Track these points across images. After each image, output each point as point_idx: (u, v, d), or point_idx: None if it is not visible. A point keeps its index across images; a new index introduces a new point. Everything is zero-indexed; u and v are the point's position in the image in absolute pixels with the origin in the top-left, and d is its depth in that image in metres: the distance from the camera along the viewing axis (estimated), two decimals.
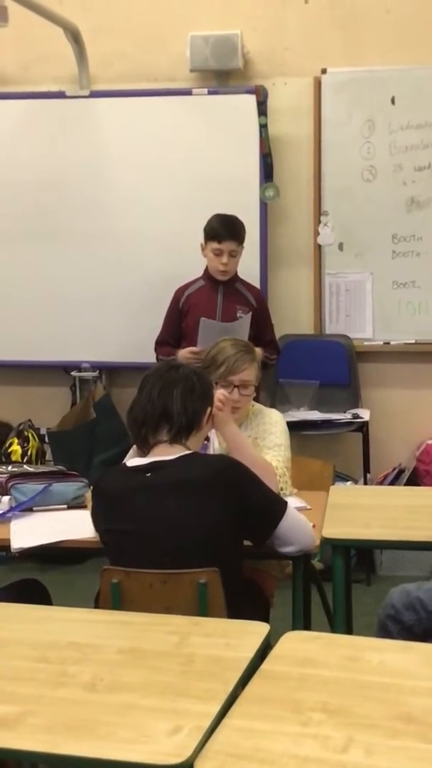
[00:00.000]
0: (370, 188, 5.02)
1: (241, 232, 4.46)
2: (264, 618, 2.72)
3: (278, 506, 2.64)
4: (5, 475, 3.10)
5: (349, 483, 4.79)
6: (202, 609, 2.41)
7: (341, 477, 4.72)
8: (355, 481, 4.90)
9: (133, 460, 2.69)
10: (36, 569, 4.52)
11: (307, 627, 2.94)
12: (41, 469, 3.36)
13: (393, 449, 5.09)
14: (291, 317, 5.13)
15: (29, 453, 5.06)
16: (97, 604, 2.57)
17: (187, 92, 5.06)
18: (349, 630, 3.08)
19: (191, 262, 4.61)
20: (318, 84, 5.01)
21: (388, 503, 3.26)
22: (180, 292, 4.60)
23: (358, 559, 4.59)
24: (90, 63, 5.18)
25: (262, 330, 4.54)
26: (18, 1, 4.29)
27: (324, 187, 5.06)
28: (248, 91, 4.95)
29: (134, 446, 2.83)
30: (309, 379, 4.98)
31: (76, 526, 2.87)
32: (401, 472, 4.93)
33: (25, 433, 5.13)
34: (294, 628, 2.69)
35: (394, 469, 4.95)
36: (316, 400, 4.96)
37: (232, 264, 4.48)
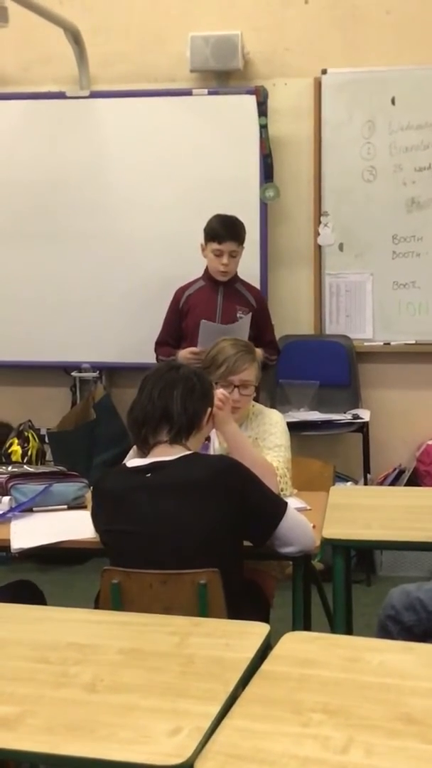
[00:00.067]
0: (370, 189, 5.02)
1: (241, 233, 4.47)
2: (264, 618, 2.72)
3: (278, 507, 2.64)
4: (5, 476, 3.10)
5: (349, 483, 4.79)
6: (203, 609, 2.41)
7: (341, 477, 4.72)
8: (356, 482, 4.90)
9: (133, 461, 2.69)
10: (36, 570, 4.53)
11: (307, 627, 2.94)
12: (41, 469, 3.36)
13: (393, 450, 5.09)
14: (291, 318, 5.13)
15: (29, 453, 5.05)
16: (98, 605, 2.57)
17: (188, 93, 5.06)
18: (349, 630, 3.08)
19: (191, 262, 4.61)
20: (318, 84, 5.01)
21: (388, 504, 3.26)
22: (180, 292, 4.60)
23: (358, 559, 4.59)
24: (90, 63, 5.18)
25: (262, 330, 4.54)
26: (18, 2, 4.29)
27: (324, 188, 5.06)
28: (248, 92, 4.95)
29: (134, 447, 2.83)
30: (309, 380, 4.98)
31: (76, 526, 2.87)
32: (401, 472, 4.93)
33: (26, 434, 5.13)
34: (294, 628, 2.69)
35: (395, 470, 4.95)
36: (317, 400, 4.96)
37: (232, 264, 4.48)
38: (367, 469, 4.95)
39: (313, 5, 5.03)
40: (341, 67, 4.98)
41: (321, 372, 5.01)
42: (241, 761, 1.58)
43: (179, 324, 4.56)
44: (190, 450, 2.65)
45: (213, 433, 3.07)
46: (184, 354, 4.36)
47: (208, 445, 3.06)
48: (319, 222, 5.08)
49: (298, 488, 3.21)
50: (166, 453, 2.62)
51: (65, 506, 3.09)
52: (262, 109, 4.93)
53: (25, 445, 5.08)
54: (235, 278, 4.57)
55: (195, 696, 1.79)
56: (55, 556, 4.33)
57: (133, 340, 5.03)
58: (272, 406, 4.03)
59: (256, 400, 3.42)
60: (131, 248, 5.15)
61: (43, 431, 5.20)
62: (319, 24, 5.02)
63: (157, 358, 4.51)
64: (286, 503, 2.69)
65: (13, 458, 4.97)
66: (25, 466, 3.40)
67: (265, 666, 1.93)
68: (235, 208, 4.57)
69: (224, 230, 4.42)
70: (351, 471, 4.97)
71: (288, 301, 5.16)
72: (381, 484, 4.89)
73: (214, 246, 4.43)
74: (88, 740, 1.65)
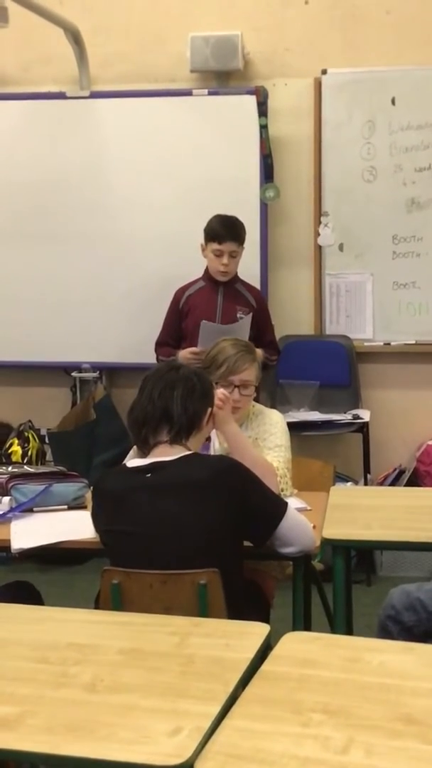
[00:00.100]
0: (370, 189, 5.02)
1: (241, 233, 4.46)
2: (264, 619, 2.72)
3: (278, 507, 2.64)
4: (5, 476, 3.10)
5: (349, 484, 4.79)
6: (203, 610, 2.41)
7: (341, 478, 4.71)
8: (356, 482, 4.90)
9: (133, 461, 2.69)
10: (36, 570, 4.54)
11: (307, 628, 2.94)
12: (41, 469, 3.36)
13: (393, 450, 5.09)
14: (291, 318, 5.13)
15: (29, 453, 5.06)
16: (98, 605, 2.57)
17: (188, 93, 5.06)
18: (349, 631, 3.08)
19: (191, 262, 4.61)
20: (318, 85, 5.01)
21: (388, 504, 3.25)
22: (180, 292, 4.60)
23: (359, 559, 4.59)
24: (90, 64, 5.18)
25: (262, 331, 4.54)
26: (18, 2, 4.29)
27: (324, 188, 5.06)
28: (248, 92, 4.95)
29: (134, 447, 2.83)
30: (309, 380, 4.98)
31: (76, 526, 2.87)
32: (401, 472, 4.93)
33: (26, 434, 5.13)
34: (294, 628, 2.69)
35: (395, 470, 4.95)
36: (317, 400, 4.96)
37: (232, 265, 4.48)
38: (367, 469, 4.95)
39: (313, 5, 5.03)
40: (341, 67, 4.98)
41: (321, 372, 5.01)
42: (241, 761, 1.58)
43: (179, 324, 4.56)
44: (190, 450, 2.65)
45: (213, 434, 3.07)
46: (184, 354, 4.36)
47: (208, 446, 3.07)
48: (319, 222, 5.08)
49: (299, 488, 3.21)
50: (166, 453, 2.62)
51: (65, 506, 3.09)
52: (263, 110, 4.93)
53: (26, 445, 5.08)
54: (235, 278, 4.57)
55: (195, 696, 1.79)
56: (55, 557, 4.33)
57: (134, 341, 5.03)
58: (272, 407, 4.03)
59: (256, 400, 3.42)
60: (131, 248, 5.15)
61: (44, 431, 5.20)
62: (319, 24, 5.03)
63: (157, 359, 4.51)
64: (286, 503, 2.69)
65: (14, 458, 4.97)
66: (25, 467, 3.40)
67: (266, 666, 1.93)
68: (235, 209, 4.57)
69: (224, 230, 4.42)
70: (351, 471, 4.97)
71: (288, 301, 5.16)
72: (381, 484, 4.89)
73: (214, 246, 4.43)
74: (88, 740, 1.65)
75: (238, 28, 4.98)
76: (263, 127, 4.93)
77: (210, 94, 5.04)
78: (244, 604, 2.57)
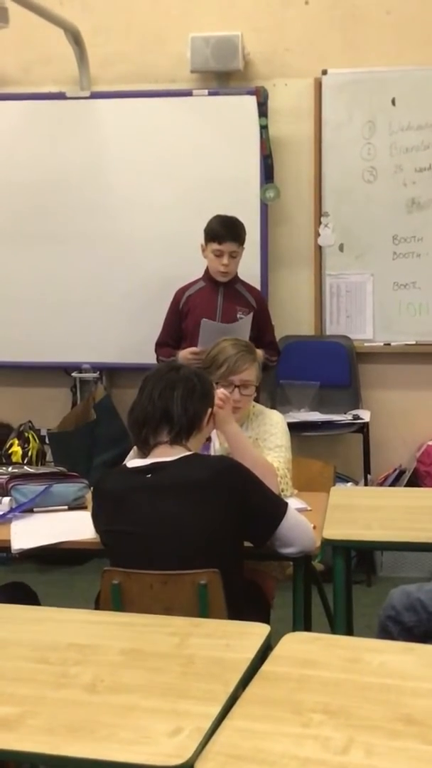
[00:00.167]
0: (370, 189, 5.02)
1: (241, 233, 4.47)
2: (264, 619, 2.72)
3: (279, 507, 2.64)
4: (6, 476, 3.10)
5: (349, 484, 4.79)
6: (203, 610, 2.41)
7: (342, 478, 4.71)
8: (356, 482, 4.90)
9: (133, 461, 2.69)
10: (36, 570, 4.54)
11: (307, 628, 2.94)
12: (42, 470, 3.36)
13: (393, 450, 5.09)
14: (291, 318, 5.13)
15: (30, 454, 5.05)
16: (98, 605, 2.57)
17: (188, 93, 5.06)
18: (349, 631, 3.08)
19: (191, 263, 4.61)
20: (318, 85, 5.01)
21: (388, 504, 3.25)
22: (180, 293, 4.60)
23: (359, 560, 4.59)
24: (90, 64, 5.18)
25: (262, 331, 4.54)
26: (18, 3, 4.29)
27: (324, 188, 5.07)
28: (249, 92, 4.96)
29: (135, 447, 2.83)
30: (309, 380, 4.98)
31: (76, 527, 2.87)
32: (402, 473, 4.93)
33: (26, 434, 5.13)
34: (294, 629, 2.69)
35: (395, 470, 4.95)
36: (317, 401, 4.96)
37: (232, 265, 4.48)
38: (367, 469, 4.95)
39: (313, 6, 5.04)
40: (341, 67, 4.98)
41: (321, 372, 5.01)
42: (242, 762, 1.58)
43: (179, 325, 4.56)
44: (190, 450, 2.65)
45: (214, 434, 3.07)
46: (184, 354, 4.36)
47: (209, 446, 3.07)
48: (320, 222, 5.08)
49: (299, 489, 3.21)
50: (166, 454, 2.62)
51: (65, 507, 3.09)
52: (263, 110, 4.93)
53: (26, 445, 5.08)
54: (236, 279, 4.57)
55: (195, 696, 1.79)
56: (56, 557, 4.33)
57: (134, 341, 5.03)
58: (273, 407, 4.04)
59: (256, 400, 3.42)
60: (131, 249, 5.15)
61: (44, 432, 5.20)
62: (320, 24, 5.03)
63: (157, 359, 4.51)
64: (286, 504, 2.69)
65: (14, 459, 4.97)
66: (25, 467, 3.41)
67: (266, 666, 1.93)
68: (235, 209, 4.57)
69: (224, 231, 4.42)
70: (351, 471, 4.97)
71: (288, 301, 5.16)
72: (381, 484, 4.89)
73: (215, 246, 4.43)
74: (88, 741, 1.65)
75: (239, 29, 4.98)
76: (263, 128, 4.93)
77: (210, 94, 5.04)
78: (244, 604, 2.58)
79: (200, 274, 4.59)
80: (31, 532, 2.89)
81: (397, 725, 1.67)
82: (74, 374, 5.28)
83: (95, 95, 5.16)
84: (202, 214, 4.52)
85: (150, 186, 5.09)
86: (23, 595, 2.93)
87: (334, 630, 2.89)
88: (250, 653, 1.96)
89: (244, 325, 4.34)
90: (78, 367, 5.27)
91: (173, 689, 1.82)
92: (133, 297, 5.14)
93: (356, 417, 4.91)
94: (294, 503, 2.91)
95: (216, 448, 3.15)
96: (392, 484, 4.85)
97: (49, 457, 5.18)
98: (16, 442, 5.09)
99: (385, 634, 2.79)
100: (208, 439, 3.01)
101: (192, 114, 5.04)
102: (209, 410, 2.75)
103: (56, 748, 1.64)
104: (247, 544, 2.65)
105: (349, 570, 3.07)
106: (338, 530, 2.83)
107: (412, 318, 5.07)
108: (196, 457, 2.65)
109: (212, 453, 3.11)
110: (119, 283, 5.17)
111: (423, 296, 5.05)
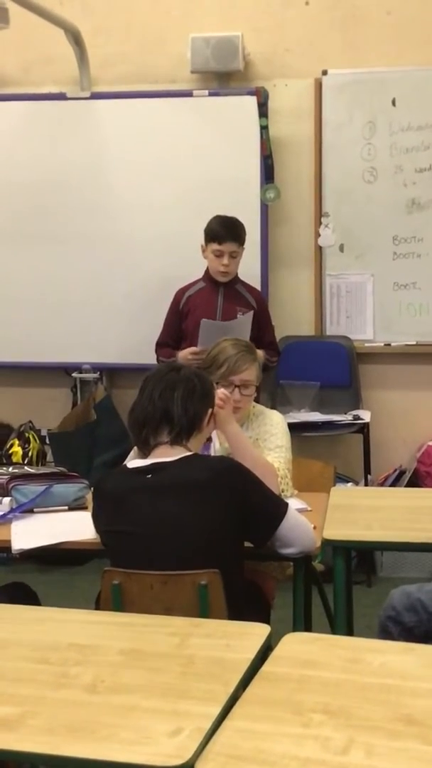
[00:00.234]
0: (370, 190, 5.02)
1: (241, 234, 4.47)
2: (265, 619, 2.73)
3: (279, 508, 2.64)
4: (6, 477, 3.10)
5: (349, 484, 4.79)
6: (203, 610, 2.41)
7: (342, 478, 4.71)
8: (356, 483, 4.90)
9: (133, 462, 2.69)
10: (36, 570, 4.54)
11: (307, 628, 2.94)
12: (42, 470, 3.36)
13: (394, 450, 5.08)
14: (292, 319, 5.13)
15: (30, 454, 5.06)
16: (98, 606, 2.58)
17: (188, 94, 5.06)
18: (349, 631, 3.08)
19: (192, 263, 4.61)
20: (319, 85, 5.01)
21: (388, 504, 3.25)
22: (180, 293, 4.60)
23: (359, 560, 4.59)
24: (91, 64, 5.18)
25: (262, 332, 4.54)
26: (19, 3, 4.29)
27: (325, 189, 5.06)
28: (249, 93, 4.96)
29: (135, 448, 2.83)
30: (310, 381, 4.98)
31: (76, 527, 2.87)
32: (402, 473, 4.93)
33: (26, 435, 5.13)
34: (295, 629, 2.69)
35: (395, 471, 4.95)
36: (317, 401, 4.96)
37: (232, 265, 4.49)
38: (367, 470, 4.95)
39: (313, 6, 5.04)
40: (342, 68, 4.98)
41: (322, 373, 5.01)
42: (242, 762, 1.58)
43: (179, 325, 4.56)
44: (190, 451, 2.65)
45: (214, 434, 3.07)
46: (184, 354, 4.36)
47: (209, 446, 3.07)
48: (320, 223, 5.08)
49: (299, 489, 3.21)
50: (166, 454, 2.62)
51: (66, 507, 3.09)
52: (263, 110, 4.93)
53: (26, 445, 5.08)
54: (236, 279, 4.57)
55: (196, 697, 1.79)
56: (56, 557, 4.33)
57: (134, 341, 5.03)
58: (273, 407, 4.04)
59: (256, 401, 3.42)
60: (132, 249, 5.15)
61: (44, 432, 5.20)
62: (320, 25, 5.03)
63: (157, 359, 4.51)
64: (286, 504, 2.69)
65: (14, 459, 4.97)
66: (25, 467, 3.41)
67: (266, 667, 1.93)
68: (235, 209, 4.57)
69: (224, 231, 4.42)
70: (351, 472, 4.97)
71: (288, 302, 5.16)
72: (381, 485, 4.88)
73: (215, 247, 4.43)
74: (88, 741, 1.65)
75: (239, 29, 4.98)
76: (264, 128, 4.93)
77: (210, 95, 5.04)
78: (244, 604, 2.58)
79: (200, 274, 4.59)
80: (31, 533, 2.89)
81: (398, 725, 1.67)
82: (74, 374, 5.29)
83: (95, 96, 5.16)
84: (202, 215, 4.52)
85: (150, 186, 5.09)
86: (24, 595, 2.94)
87: (334, 630, 2.89)
88: (251, 653, 1.96)
89: (244, 322, 4.34)
90: (78, 368, 5.27)
91: (173, 689, 1.82)
92: (133, 297, 5.14)
93: (356, 417, 4.90)
94: (294, 503, 2.91)
95: (216, 448, 3.15)
96: (392, 485, 4.85)
97: (49, 457, 5.18)
98: (17, 442, 5.09)
99: (385, 634, 2.79)
100: (209, 440, 3.01)
101: (192, 114, 5.04)
102: (210, 410, 2.75)
103: (56, 749, 1.64)
104: (247, 544, 2.65)
105: (350, 570, 3.07)
106: (338, 530, 2.83)
107: (412, 318, 5.07)
108: (197, 457, 2.65)
109: (213, 453, 3.11)
110: (119, 283, 5.17)
111: (423, 296, 5.05)
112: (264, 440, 3.22)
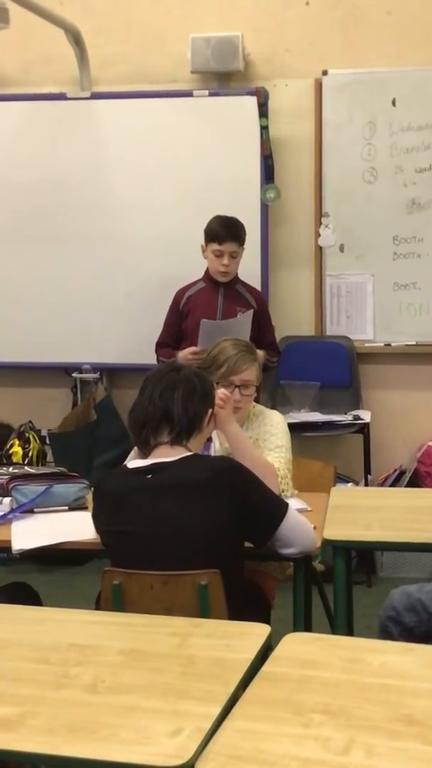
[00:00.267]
0: (371, 190, 5.02)
1: (241, 234, 4.47)
2: (265, 619, 2.73)
3: (279, 508, 2.64)
4: (6, 477, 3.10)
5: (350, 484, 4.79)
6: (203, 610, 2.41)
7: (342, 478, 4.71)
8: (356, 483, 4.90)
9: (134, 462, 2.69)
10: (36, 571, 4.54)
11: (308, 628, 2.94)
12: (42, 470, 3.36)
13: (394, 451, 5.08)
14: (292, 319, 5.13)
15: (30, 454, 5.06)
16: (98, 606, 2.58)
17: (188, 94, 5.06)
18: (350, 631, 3.08)
19: (192, 263, 4.61)
20: (319, 85, 5.01)
21: (389, 505, 3.25)
22: (180, 293, 4.60)
23: (359, 560, 4.59)
24: (91, 64, 5.18)
25: (262, 332, 4.54)
26: (19, 3, 4.29)
27: (325, 189, 5.06)
28: (249, 93, 4.96)
29: (135, 448, 2.83)
30: (310, 381, 4.98)
31: (77, 527, 2.87)
32: (402, 473, 4.93)
33: (26, 435, 5.13)
34: (295, 629, 2.69)
35: (395, 471, 4.95)
36: (317, 401, 4.96)
37: (232, 265, 4.48)
38: (367, 470, 4.95)
39: (313, 6, 5.04)
40: (342, 68, 4.98)
41: (322, 373, 5.01)
42: (242, 762, 1.58)
43: (179, 325, 4.56)
44: (191, 451, 2.65)
45: (214, 434, 3.07)
46: (184, 355, 4.36)
47: (209, 446, 3.07)
48: (320, 223, 5.08)
49: (299, 489, 3.21)
50: (166, 454, 2.62)
51: (66, 507, 3.09)
52: (263, 110, 4.93)
53: (26, 446, 5.08)
54: (236, 279, 4.57)
55: (196, 697, 1.79)
56: (56, 557, 4.33)
57: (134, 341, 5.03)
58: (273, 407, 4.04)
59: (256, 401, 3.42)
60: (132, 249, 5.15)
61: (44, 432, 5.20)
62: (320, 25, 5.03)
63: (157, 359, 4.51)
64: (287, 504, 2.69)
65: (14, 459, 4.97)
66: (25, 467, 3.40)
67: (266, 667, 1.93)
68: (235, 209, 4.57)
69: (224, 231, 4.42)
70: (352, 472, 4.97)
71: (289, 302, 5.16)
72: (382, 485, 4.89)
73: (215, 247, 4.43)
74: (89, 741, 1.65)
75: (239, 29, 4.98)
76: (264, 128, 4.93)
77: (210, 95, 5.04)
78: (244, 604, 2.58)
79: (200, 274, 4.59)
80: (31, 533, 2.89)
81: (398, 726, 1.67)
82: (75, 374, 5.29)
83: (96, 96, 5.16)
84: (202, 215, 4.52)
85: (150, 186, 5.09)
86: (25, 595, 2.94)
87: (334, 630, 2.89)
88: (251, 654, 1.96)
89: (244, 321, 4.34)
90: (78, 368, 5.27)
91: (174, 689, 1.82)
92: (133, 297, 5.15)
93: (357, 417, 4.90)
94: (294, 504, 2.91)
95: (216, 448, 3.15)
96: (393, 485, 4.85)
97: (49, 457, 5.18)
98: (17, 442, 5.09)
99: (385, 634, 2.79)
100: (209, 440, 3.01)
101: (192, 114, 5.04)
102: (210, 411, 2.75)
103: (57, 749, 1.64)
104: (247, 544, 2.65)
105: (350, 570, 3.07)
106: (339, 531, 2.83)
107: (412, 318, 5.07)
108: (197, 457, 2.65)
109: (213, 453, 3.11)
110: (119, 283, 5.17)
111: (423, 297, 5.05)
112: (264, 440, 3.22)
